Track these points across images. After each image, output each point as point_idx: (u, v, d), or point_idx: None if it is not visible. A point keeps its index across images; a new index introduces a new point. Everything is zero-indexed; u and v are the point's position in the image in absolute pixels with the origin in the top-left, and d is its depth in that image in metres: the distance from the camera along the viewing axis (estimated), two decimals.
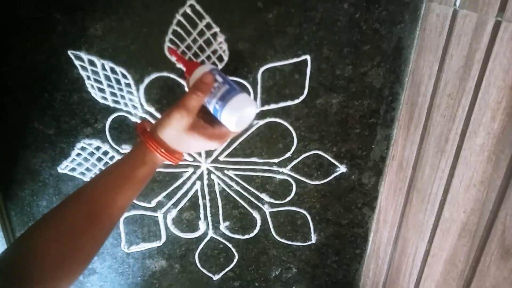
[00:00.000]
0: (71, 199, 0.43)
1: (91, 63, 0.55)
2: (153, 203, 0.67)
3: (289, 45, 0.55)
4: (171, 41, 0.54)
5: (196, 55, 0.55)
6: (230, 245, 0.72)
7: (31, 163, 0.63)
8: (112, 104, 0.59)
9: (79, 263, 0.41)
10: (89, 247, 0.42)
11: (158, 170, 0.64)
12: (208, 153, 0.64)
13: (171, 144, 0.45)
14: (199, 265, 0.74)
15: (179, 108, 0.44)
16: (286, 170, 0.65)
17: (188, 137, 0.45)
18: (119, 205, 0.44)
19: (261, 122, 0.61)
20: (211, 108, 0.47)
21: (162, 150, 0.45)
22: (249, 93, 0.51)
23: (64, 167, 0.63)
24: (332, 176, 0.65)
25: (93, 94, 0.58)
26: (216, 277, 0.75)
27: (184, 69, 0.50)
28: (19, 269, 0.37)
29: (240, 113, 0.46)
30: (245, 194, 0.67)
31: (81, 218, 0.41)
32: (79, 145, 0.61)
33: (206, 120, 0.47)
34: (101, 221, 0.42)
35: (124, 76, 0.56)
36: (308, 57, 0.55)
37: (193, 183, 0.66)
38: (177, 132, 0.44)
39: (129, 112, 0.59)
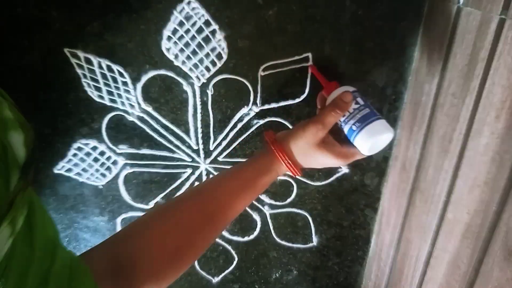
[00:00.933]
0: (191, 194, 0.45)
1: (88, 61, 0.54)
2: (151, 204, 0.67)
3: (290, 42, 0.54)
4: (169, 38, 0.53)
5: (194, 53, 0.54)
6: (229, 247, 0.71)
7: None
8: (108, 103, 0.58)
9: (189, 259, 0.42)
10: (201, 245, 0.43)
11: (156, 170, 0.63)
12: (207, 154, 0.63)
13: (298, 157, 0.47)
14: (198, 268, 0.73)
15: (316, 123, 0.46)
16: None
17: (317, 152, 0.46)
18: (237, 208, 0.45)
19: (261, 122, 0.60)
20: (346, 128, 0.48)
21: (290, 162, 0.47)
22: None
23: (60, 168, 0.62)
24: (334, 177, 0.65)
25: (89, 93, 0.57)
26: (215, 280, 0.75)
27: (322, 86, 0.52)
28: (133, 257, 0.37)
29: (377, 139, 0.47)
30: None
31: (200, 215, 0.42)
32: (75, 145, 0.61)
33: (335, 138, 0.49)
34: (217, 222, 0.44)
35: (121, 74, 0.56)
36: (309, 55, 0.55)
37: (192, 184, 0.65)
38: (308, 146, 0.46)
39: (126, 111, 0.59)
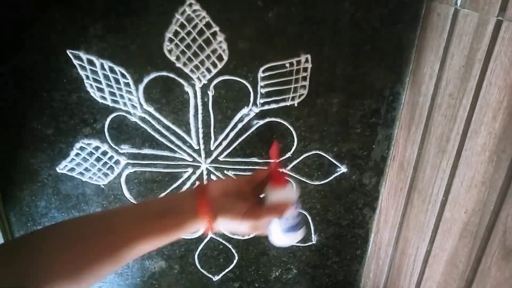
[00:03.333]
0: (100, 221, 0.42)
1: (90, 62, 0.55)
2: None
3: (289, 44, 0.54)
4: (171, 40, 0.54)
5: (195, 54, 0.55)
6: (230, 246, 0.72)
7: (30, 163, 0.62)
8: (111, 104, 0.58)
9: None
10: (92, 277, 0.41)
11: (158, 170, 0.64)
12: (208, 153, 0.63)
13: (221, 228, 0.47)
14: (198, 266, 0.74)
15: (255, 219, 0.45)
16: (286, 170, 0.64)
17: (238, 230, 0.47)
18: (142, 251, 0.43)
19: (261, 122, 0.60)
20: (273, 220, 0.50)
21: (214, 230, 0.46)
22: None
23: (63, 167, 0.63)
24: (333, 176, 0.65)
25: (92, 94, 0.57)
26: (216, 278, 0.75)
27: (272, 165, 0.49)
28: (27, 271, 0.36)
29: (292, 243, 0.50)
30: None
31: (103, 245, 0.40)
32: (78, 145, 0.61)
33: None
34: (119, 257, 0.41)
35: (123, 76, 0.56)
36: (308, 56, 0.55)
37: (193, 184, 0.66)
38: (237, 229, 0.46)
39: (128, 112, 0.59)
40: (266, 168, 0.50)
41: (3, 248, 0.38)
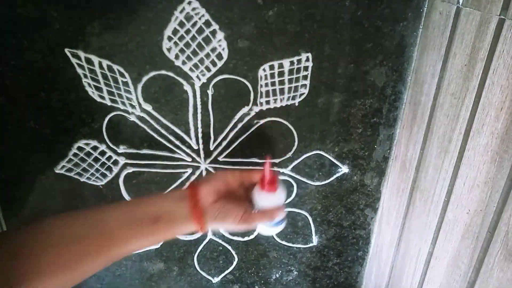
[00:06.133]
0: (91, 221, 0.42)
1: (88, 61, 0.54)
2: None
3: (289, 43, 0.54)
4: (169, 38, 0.53)
5: (195, 53, 0.54)
6: (229, 247, 0.71)
7: (28, 163, 0.62)
8: (109, 103, 0.58)
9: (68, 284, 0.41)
10: (81, 275, 0.41)
11: (156, 170, 0.64)
12: (207, 154, 0.63)
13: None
14: (198, 268, 0.73)
15: (246, 223, 0.46)
16: (286, 170, 0.64)
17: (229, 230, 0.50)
18: (133, 251, 0.44)
19: (261, 122, 0.60)
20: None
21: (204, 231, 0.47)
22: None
23: (60, 168, 0.62)
24: (334, 176, 0.65)
25: (90, 93, 0.57)
26: (215, 280, 0.75)
27: (265, 176, 0.49)
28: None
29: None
30: None
31: (93, 245, 0.41)
32: (76, 145, 0.61)
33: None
34: (109, 257, 0.42)
35: (122, 75, 0.56)
36: (309, 55, 0.55)
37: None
38: (227, 228, 0.50)
39: (127, 111, 0.59)
40: (258, 170, 0.49)
41: None
